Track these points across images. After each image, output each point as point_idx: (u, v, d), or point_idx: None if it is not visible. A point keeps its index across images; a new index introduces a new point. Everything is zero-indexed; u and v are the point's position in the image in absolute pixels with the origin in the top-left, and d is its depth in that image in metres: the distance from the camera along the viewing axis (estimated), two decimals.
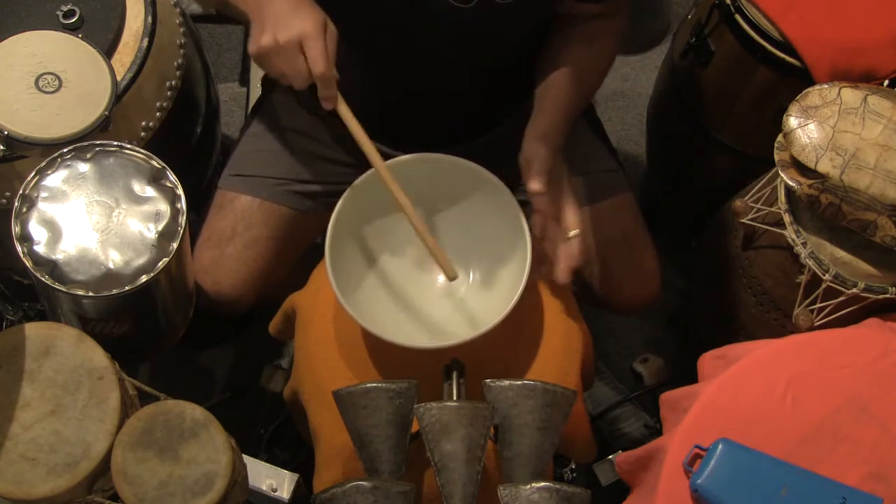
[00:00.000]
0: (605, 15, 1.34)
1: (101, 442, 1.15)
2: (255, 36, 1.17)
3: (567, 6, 1.32)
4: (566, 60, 1.31)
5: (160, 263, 1.20)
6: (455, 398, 1.22)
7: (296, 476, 1.46)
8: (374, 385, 1.15)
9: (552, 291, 1.39)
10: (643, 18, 2.36)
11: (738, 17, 1.49)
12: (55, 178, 1.22)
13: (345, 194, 1.28)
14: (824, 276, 1.29)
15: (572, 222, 1.25)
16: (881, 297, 1.28)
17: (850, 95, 1.28)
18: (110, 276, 1.18)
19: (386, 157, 1.32)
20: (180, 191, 1.23)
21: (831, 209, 1.25)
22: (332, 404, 1.17)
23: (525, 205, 1.29)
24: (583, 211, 1.49)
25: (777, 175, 1.32)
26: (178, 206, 1.23)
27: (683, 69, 1.69)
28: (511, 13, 1.24)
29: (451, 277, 1.28)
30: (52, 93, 1.26)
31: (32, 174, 1.22)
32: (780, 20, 1.45)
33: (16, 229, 1.19)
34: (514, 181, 1.31)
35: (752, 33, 1.48)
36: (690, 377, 1.34)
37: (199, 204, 1.55)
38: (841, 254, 1.29)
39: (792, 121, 1.27)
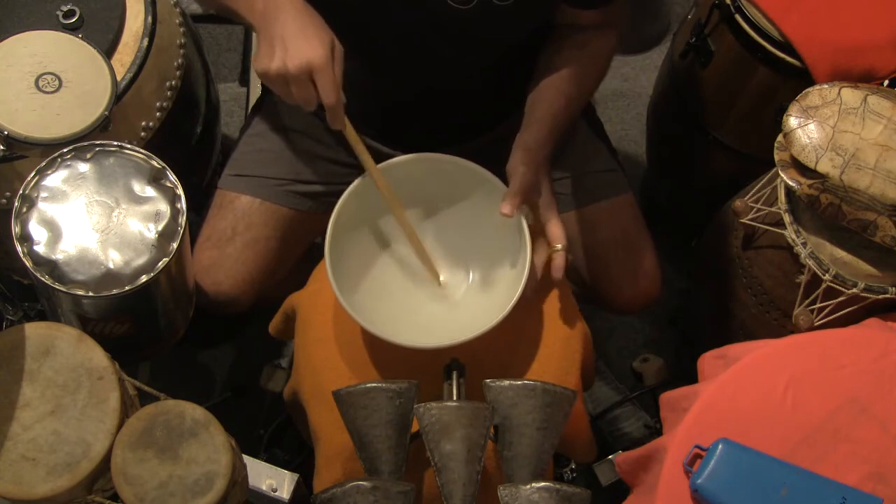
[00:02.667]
0: (601, 26, 1.34)
1: (101, 442, 1.15)
2: (262, 57, 1.16)
3: (563, 15, 1.32)
4: (558, 71, 1.32)
5: (160, 263, 1.20)
6: (455, 398, 1.22)
7: (296, 476, 1.46)
8: (374, 385, 1.15)
9: (552, 291, 1.39)
10: (643, 19, 2.36)
11: (738, 17, 1.49)
12: (55, 178, 1.22)
13: (345, 194, 1.28)
14: (824, 276, 1.29)
15: (556, 236, 1.26)
16: (881, 297, 1.28)
17: (850, 95, 1.28)
18: (110, 276, 1.18)
19: (386, 156, 1.32)
20: (180, 191, 1.23)
21: (831, 209, 1.25)
22: (332, 404, 1.17)
23: None
24: (573, 215, 1.49)
25: (777, 175, 1.32)
26: (178, 206, 1.23)
27: (683, 69, 1.69)
28: (510, 14, 1.24)
29: (437, 282, 1.36)
30: (52, 93, 1.26)
31: (32, 174, 1.22)
32: (781, 20, 1.45)
33: (16, 229, 1.19)
34: None
35: (752, 33, 1.48)
36: (690, 377, 1.34)
37: (199, 204, 1.55)
38: (841, 254, 1.29)
39: (792, 121, 1.27)
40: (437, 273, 1.37)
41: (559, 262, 1.27)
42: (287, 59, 1.14)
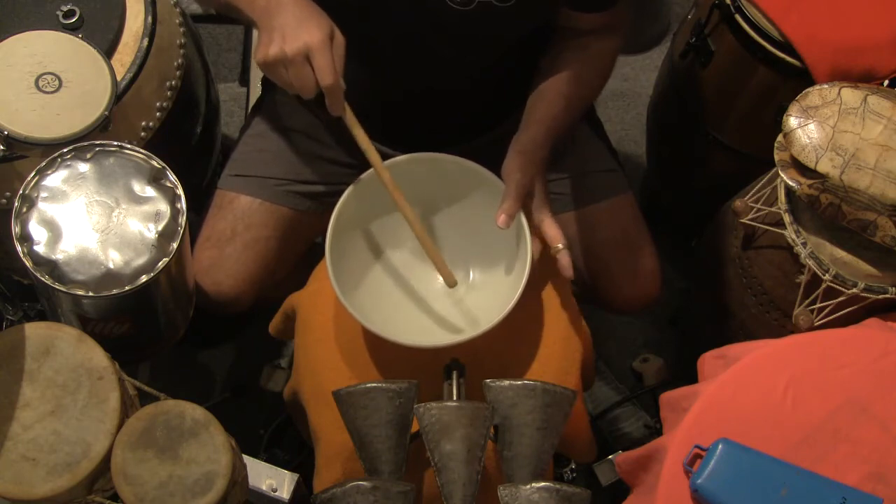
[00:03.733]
0: (603, 30, 1.34)
1: (101, 442, 1.15)
2: (262, 45, 1.18)
3: (565, 18, 1.32)
4: (559, 73, 1.32)
5: (160, 263, 1.20)
6: (455, 398, 1.22)
7: (296, 476, 1.46)
8: (374, 385, 1.15)
9: (552, 291, 1.39)
10: (643, 20, 2.36)
11: (738, 17, 1.49)
12: (55, 178, 1.22)
13: (345, 194, 1.28)
14: (824, 276, 1.29)
15: (553, 236, 1.26)
16: (881, 297, 1.28)
17: (850, 95, 1.28)
18: (110, 276, 1.18)
19: (386, 156, 1.32)
20: (180, 191, 1.23)
21: (831, 209, 1.25)
22: (332, 404, 1.17)
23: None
24: (573, 215, 1.49)
25: (777, 175, 1.32)
26: (178, 206, 1.23)
27: (683, 69, 1.69)
28: (511, 15, 1.24)
29: (451, 285, 1.31)
30: (52, 93, 1.26)
31: (32, 174, 1.22)
32: (781, 20, 1.45)
33: (16, 229, 1.19)
34: None
35: (752, 33, 1.48)
36: (690, 377, 1.34)
37: (199, 204, 1.55)
38: (841, 254, 1.29)
39: (792, 121, 1.27)
40: (452, 276, 1.30)
41: (564, 261, 1.27)
42: (285, 44, 1.15)
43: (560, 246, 1.26)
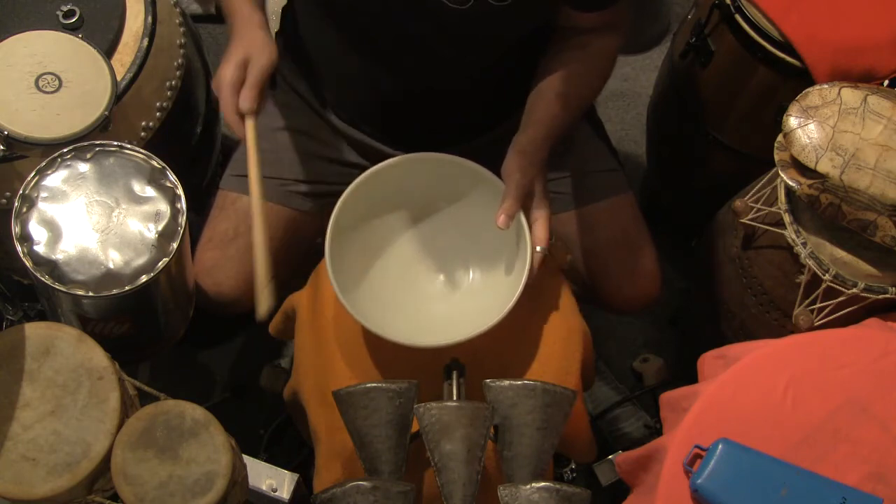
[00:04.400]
0: (604, 28, 1.34)
1: (101, 442, 1.15)
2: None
3: (564, 17, 1.32)
4: (558, 73, 1.32)
5: (160, 263, 1.20)
6: (455, 398, 1.22)
7: (296, 476, 1.46)
8: (374, 385, 1.15)
9: (552, 291, 1.39)
10: (643, 20, 2.36)
11: (738, 17, 1.49)
12: (55, 178, 1.22)
13: (345, 194, 1.28)
14: (824, 276, 1.29)
15: (538, 238, 1.26)
16: (881, 297, 1.28)
17: (850, 95, 1.28)
18: (110, 276, 1.18)
19: (386, 156, 1.32)
20: (180, 191, 1.24)
21: (831, 209, 1.25)
22: (332, 404, 1.17)
23: None
24: (573, 214, 1.49)
25: (777, 175, 1.32)
26: (178, 206, 1.23)
27: (683, 69, 1.69)
28: (508, 14, 1.24)
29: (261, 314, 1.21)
30: (52, 93, 1.26)
31: (32, 174, 1.22)
32: (781, 20, 1.45)
33: (16, 229, 1.19)
34: None
35: (752, 33, 1.48)
36: (690, 377, 1.34)
37: (200, 204, 1.55)
38: (841, 254, 1.29)
39: (792, 121, 1.27)
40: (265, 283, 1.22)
41: (535, 263, 1.26)
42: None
43: (538, 249, 1.25)
